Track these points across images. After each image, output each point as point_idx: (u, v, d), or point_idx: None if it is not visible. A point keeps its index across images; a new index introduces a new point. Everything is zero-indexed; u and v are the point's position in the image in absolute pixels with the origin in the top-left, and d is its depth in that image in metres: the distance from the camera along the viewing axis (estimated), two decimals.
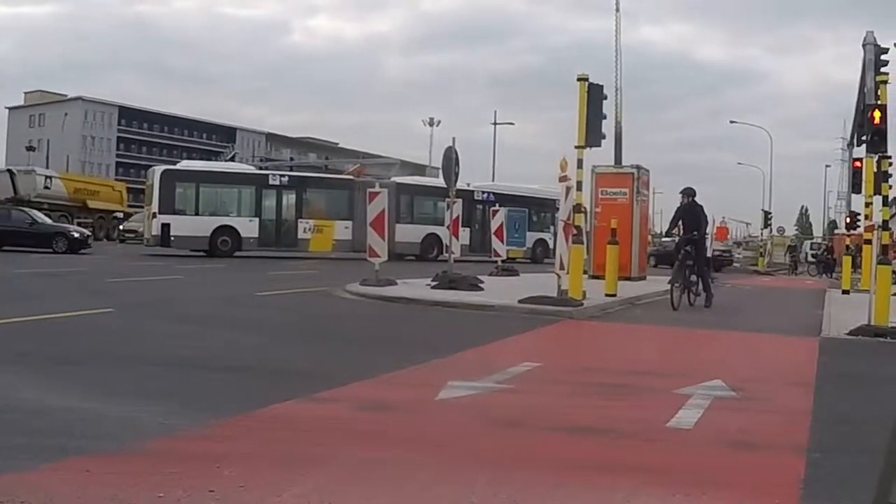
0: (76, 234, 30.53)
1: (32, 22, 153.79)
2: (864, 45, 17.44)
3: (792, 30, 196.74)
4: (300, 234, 33.26)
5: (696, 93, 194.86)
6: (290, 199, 33.44)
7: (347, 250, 32.02)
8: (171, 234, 30.74)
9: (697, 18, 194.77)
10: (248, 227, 32.24)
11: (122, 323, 10.18)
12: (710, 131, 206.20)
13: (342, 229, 33.21)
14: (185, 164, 36.39)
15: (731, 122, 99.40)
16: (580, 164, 14.53)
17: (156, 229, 30.76)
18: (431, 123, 78.63)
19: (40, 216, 32.46)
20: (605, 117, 14.97)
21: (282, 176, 34.58)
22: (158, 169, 32.54)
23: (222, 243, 31.56)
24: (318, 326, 11.41)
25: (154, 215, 30.93)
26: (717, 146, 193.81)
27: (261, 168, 42.62)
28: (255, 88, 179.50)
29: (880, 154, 14.09)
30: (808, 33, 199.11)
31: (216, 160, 74.53)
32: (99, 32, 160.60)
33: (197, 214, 31.72)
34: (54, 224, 32.70)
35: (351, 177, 36.50)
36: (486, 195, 37.05)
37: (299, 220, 33.36)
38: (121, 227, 50.23)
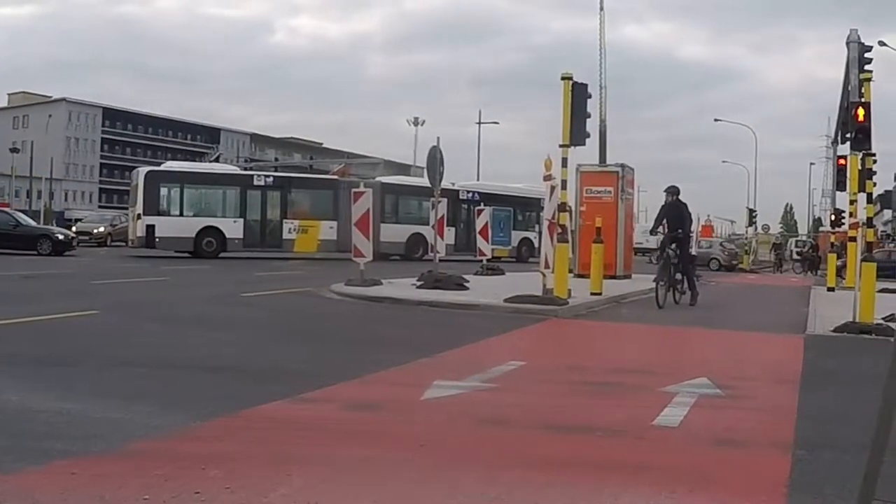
0: (61, 237, 30.38)
1: (13, 22, 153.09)
2: (848, 44, 17.50)
3: (774, 28, 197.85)
4: (285, 235, 33.17)
5: (679, 91, 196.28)
6: (274, 199, 33.35)
7: (332, 250, 31.94)
8: (156, 235, 30.66)
9: (679, 17, 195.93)
10: (232, 228, 32.17)
11: (107, 324, 10.13)
12: (694, 129, 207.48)
13: (327, 229, 33.12)
14: (169, 165, 36.24)
15: (716, 119, 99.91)
16: (565, 162, 14.53)
17: (141, 231, 30.69)
18: (416, 123, 78.69)
19: (25, 218, 32.30)
20: (589, 116, 14.96)
21: (266, 176, 34.51)
22: (143, 170, 32.43)
23: (207, 244, 31.47)
24: (303, 327, 11.38)
25: (139, 216, 30.85)
26: (700, 144, 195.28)
27: (245, 168, 42.50)
28: (239, 88, 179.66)
29: (864, 151, 14.10)
30: (791, 32, 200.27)
31: (201, 161, 74.00)
32: (81, 33, 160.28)
33: (181, 215, 31.65)
34: (39, 226, 32.52)
35: (335, 177, 36.44)
36: (471, 194, 37.04)
37: (284, 221, 33.30)
38: (73, 228, 49.81)
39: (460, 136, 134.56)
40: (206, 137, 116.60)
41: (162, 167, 34.94)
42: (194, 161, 63.74)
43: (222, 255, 31.46)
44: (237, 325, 10.90)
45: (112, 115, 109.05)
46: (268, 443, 4.68)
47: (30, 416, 5.05)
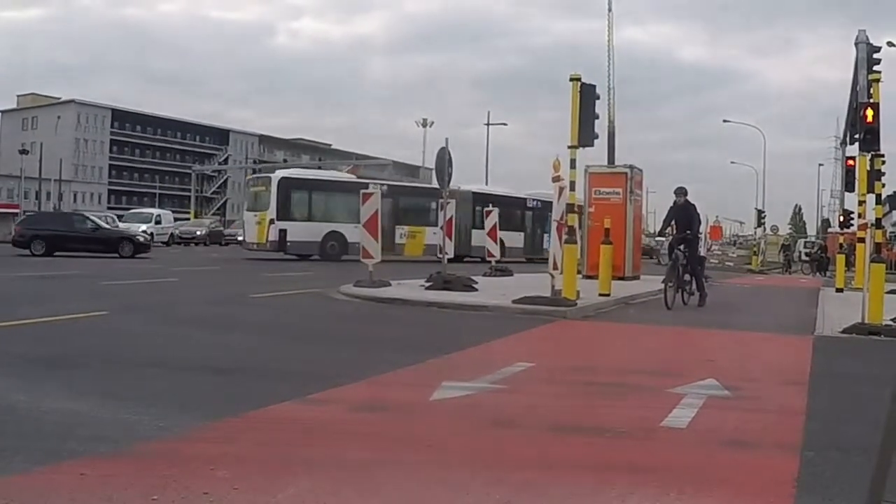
0: (141, 239, 30.87)
1: (17, 26, 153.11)
2: (856, 44, 17.48)
3: (773, 29, 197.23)
4: (397, 240, 34.37)
5: (681, 92, 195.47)
6: (387, 207, 34.13)
7: (435, 254, 32.60)
8: (287, 239, 31.71)
9: (679, 19, 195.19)
10: (354, 233, 32.85)
11: (116, 325, 10.14)
12: (697, 131, 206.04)
13: (431, 235, 34.49)
14: (297, 172, 37.91)
15: (725, 121, 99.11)
16: (573, 164, 14.52)
17: (273, 235, 31.65)
18: (424, 124, 78.60)
19: (100, 222, 32.51)
20: (597, 117, 14.93)
21: (381, 185, 35.46)
22: (276, 175, 33.63)
23: (331, 248, 32.46)
24: (310, 328, 11.39)
25: (272, 221, 31.79)
26: (703, 145, 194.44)
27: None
28: (244, 90, 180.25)
29: (873, 152, 14.06)
30: (789, 32, 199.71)
31: (210, 162, 73.98)
32: (85, 36, 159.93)
33: (309, 220, 32.72)
34: (118, 229, 33.06)
35: (436, 186, 37.33)
36: (535, 203, 39.92)
37: (396, 227, 34.42)
38: None
39: (462, 137, 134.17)
40: (214, 139, 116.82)
41: (292, 174, 36.20)
42: (204, 163, 63.94)
43: (343, 258, 32.05)
44: (245, 326, 10.91)
45: (121, 117, 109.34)
46: (276, 444, 4.69)
47: (38, 417, 5.06)
